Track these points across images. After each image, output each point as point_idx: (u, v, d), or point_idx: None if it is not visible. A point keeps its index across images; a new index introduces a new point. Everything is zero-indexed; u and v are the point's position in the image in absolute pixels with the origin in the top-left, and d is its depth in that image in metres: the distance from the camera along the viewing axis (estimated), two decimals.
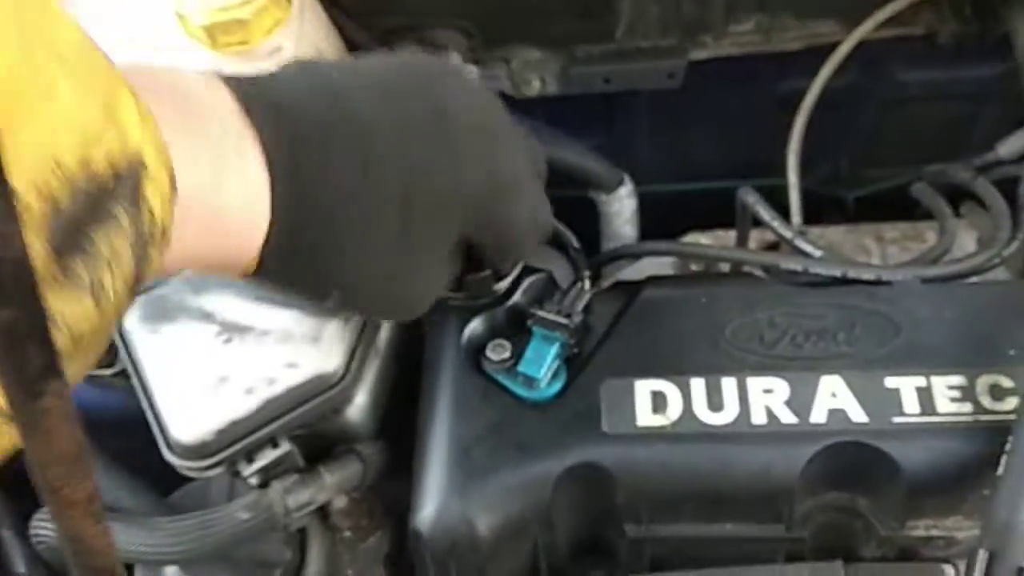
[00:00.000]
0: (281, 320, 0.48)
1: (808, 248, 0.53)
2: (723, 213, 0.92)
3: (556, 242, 0.61)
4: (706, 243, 0.79)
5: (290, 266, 0.37)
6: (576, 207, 0.82)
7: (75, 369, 0.28)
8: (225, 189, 0.33)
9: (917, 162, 0.90)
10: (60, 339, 0.26)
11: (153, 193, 0.28)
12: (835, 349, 0.48)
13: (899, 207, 0.94)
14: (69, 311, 0.26)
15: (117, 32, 0.60)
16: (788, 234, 0.54)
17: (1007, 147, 0.61)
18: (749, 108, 0.85)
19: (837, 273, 0.50)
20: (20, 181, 0.24)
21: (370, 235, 0.38)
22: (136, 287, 0.29)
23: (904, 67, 0.82)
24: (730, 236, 0.80)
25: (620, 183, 0.79)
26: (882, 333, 0.48)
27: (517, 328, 0.51)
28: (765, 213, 0.57)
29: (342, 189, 0.37)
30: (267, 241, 0.36)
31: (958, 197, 0.67)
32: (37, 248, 0.25)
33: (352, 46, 0.71)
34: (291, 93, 0.37)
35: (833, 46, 0.75)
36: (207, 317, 0.49)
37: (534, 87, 0.80)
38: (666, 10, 0.74)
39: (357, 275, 0.39)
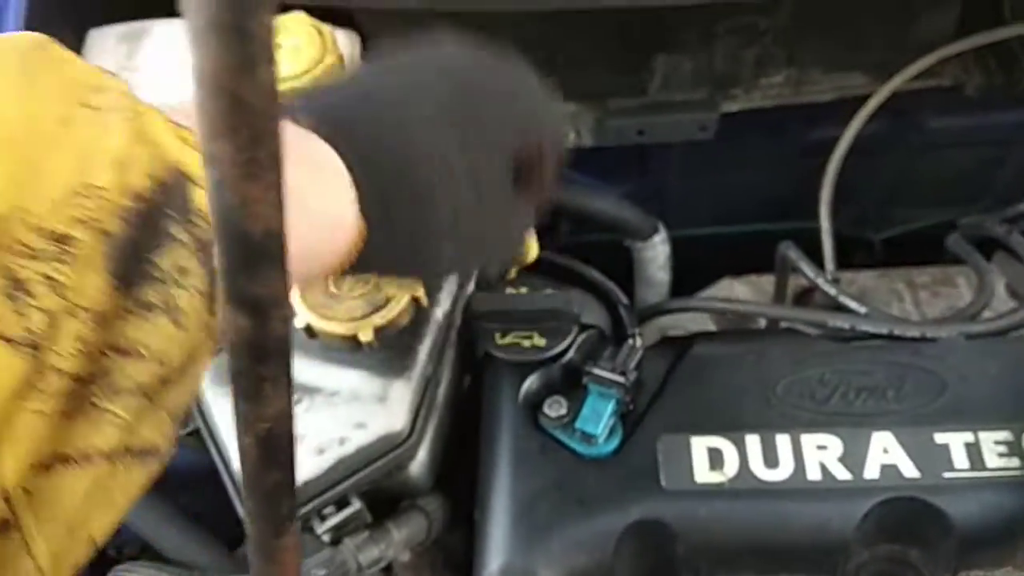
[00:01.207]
0: (349, 381, 0.50)
1: (853, 305, 0.55)
2: (754, 257, 0.94)
3: (602, 297, 0.63)
4: (740, 289, 0.80)
5: (391, 244, 0.36)
6: (607, 252, 0.84)
7: (177, 395, 0.28)
8: (302, 187, 0.31)
9: (943, 204, 0.92)
10: (149, 368, 0.26)
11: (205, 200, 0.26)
12: (885, 406, 0.50)
13: (925, 249, 0.96)
14: (150, 339, 0.26)
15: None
16: (832, 291, 0.56)
17: None
18: (780, 155, 0.87)
19: (884, 331, 0.52)
20: (58, 218, 0.24)
21: (447, 189, 0.37)
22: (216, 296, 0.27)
23: (932, 115, 0.84)
24: (763, 281, 0.82)
25: (654, 231, 0.81)
26: (929, 389, 0.50)
27: (572, 385, 0.53)
28: (808, 269, 0.58)
29: (410, 155, 0.36)
30: (363, 228, 0.35)
31: (990, 246, 0.69)
32: (98, 283, 0.25)
33: None
34: (342, 99, 0.38)
35: (862, 97, 0.77)
36: None
37: (569, 139, 0.82)
38: (699, 65, 0.76)
39: (450, 229, 0.38)
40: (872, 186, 0.93)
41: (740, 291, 0.80)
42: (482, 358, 0.55)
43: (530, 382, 0.54)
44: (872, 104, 0.74)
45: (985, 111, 0.81)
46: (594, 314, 0.65)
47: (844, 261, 0.82)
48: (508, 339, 0.54)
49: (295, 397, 0.50)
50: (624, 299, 0.57)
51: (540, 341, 0.54)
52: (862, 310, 0.54)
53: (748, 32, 0.74)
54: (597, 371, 0.52)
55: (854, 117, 0.75)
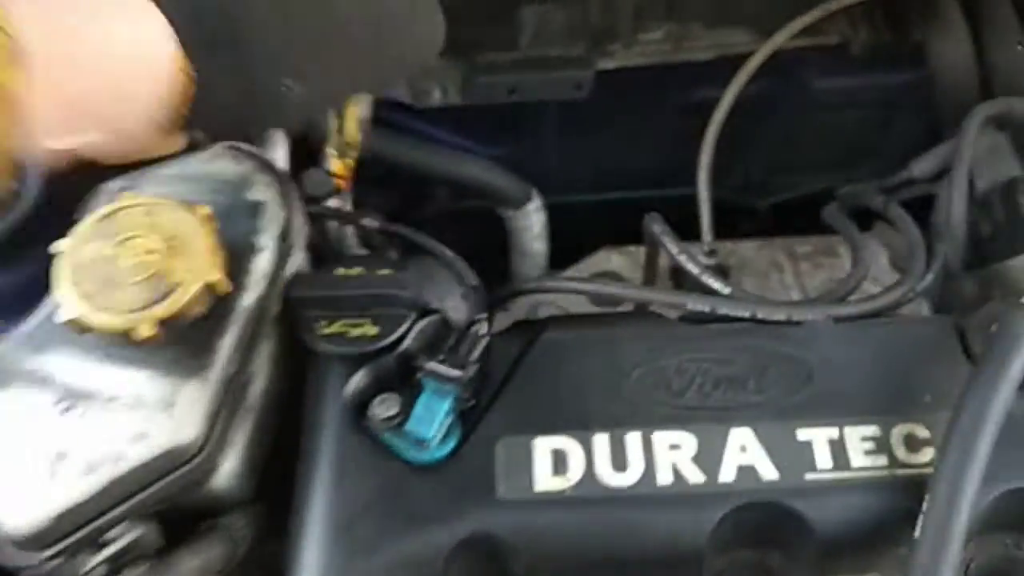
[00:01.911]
0: (130, 384, 0.42)
1: (717, 285, 0.50)
2: (635, 223, 0.90)
3: (455, 275, 0.56)
4: (617, 260, 0.75)
5: (222, 86, 0.30)
6: (485, 222, 0.78)
7: None
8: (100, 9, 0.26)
9: (829, 168, 0.89)
10: None
11: None
12: (745, 398, 0.45)
13: (811, 214, 0.93)
14: None
15: None
16: (695, 269, 0.51)
17: (920, 166, 0.60)
18: (660, 117, 0.82)
19: (746, 314, 0.47)
20: None
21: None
22: None
23: (816, 75, 0.80)
24: (641, 253, 0.77)
25: (528, 198, 0.75)
26: (794, 379, 0.45)
27: (406, 380, 0.47)
28: (672, 246, 0.53)
29: None
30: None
31: (869, 216, 0.66)
32: None
33: None
34: None
35: (744, 56, 0.73)
36: (45, 381, 0.43)
37: (435, 97, 0.75)
38: (573, 17, 0.70)
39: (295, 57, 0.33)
40: (756, 150, 0.89)
41: (617, 262, 0.75)
42: (305, 350, 0.48)
43: (358, 378, 0.47)
44: (754, 62, 0.69)
45: (870, 71, 0.77)
46: (448, 297, 0.59)
47: (728, 230, 0.77)
48: (334, 327, 0.47)
49: (64, 404, 0.43)
50: (472, 278, 0.51)
51: (371, 329, 0.47)
52: (725, 290, 0.49)
53: None
54: (432, 365, 0.45)
55: (735, 77, 0.70)
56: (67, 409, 0.42)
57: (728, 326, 0.48)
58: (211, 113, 0.29)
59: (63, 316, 0.42)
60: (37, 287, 0.50)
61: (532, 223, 0.76)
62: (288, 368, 0.50)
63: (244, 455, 0.46)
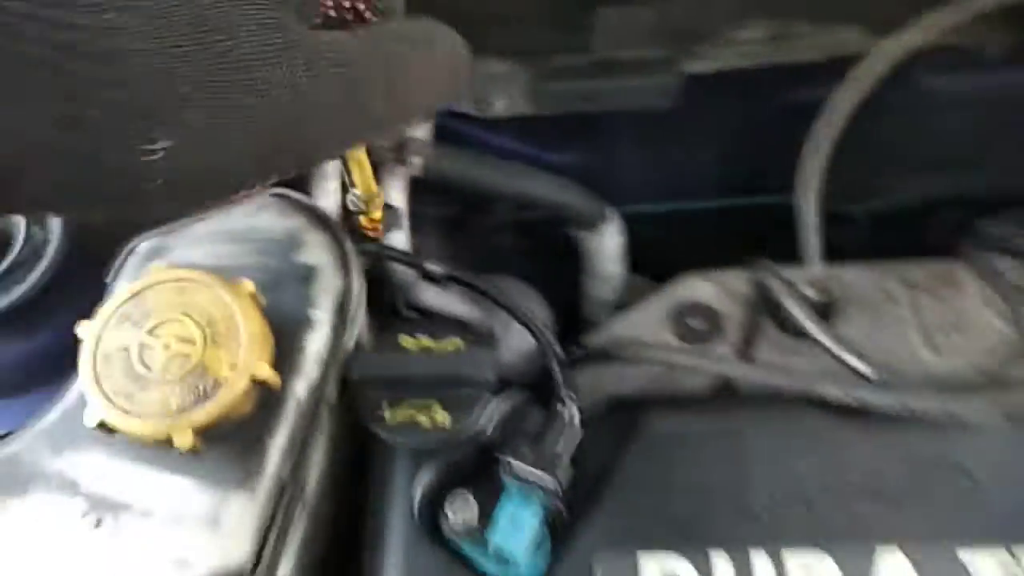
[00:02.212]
0: (168, 495, 0.36)
1: (858, 365, 0.41)
2: (719, 234, 0.81)
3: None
4: (704, 290, 0.67)
5: None
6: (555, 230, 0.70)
7: None
8: None
9: (935, 170, 0.79)
10: None
11: None
12: (895, 514, 0.37)
13: (915, 223, 0.84)
14: None
15: None
16: (831, 345, 0.43)
17: None
18: (752, 121, 0.73)
19: (896, 405, 0.39)
20: None
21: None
22: None
23: (928, 74, 0.70)
24: (732, 280, 0.69)
25: (603, 218, 0.67)
26: (955, 491, 0.38)
27: (485, 473, 0.40)
28: (797, 310, 0.45)
29: None
30: None
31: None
32: None
33: None
34: None
35: (854, 57, 0.63)
36: (70, 488, 0.36)
37: (498, 107, 0.67)
38: (657, 16, 0.61)
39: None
40: (857, 152, 0.80)
41: (704, 292, 0.67)
42: (367, 439, 0.41)
43: (429, 472, 0.40)
44: (879, 65, 0.59)
45: (986, 71, 0.67)
46: (518, 342, 0.52)
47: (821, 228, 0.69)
48: (401, 414, 0.40)
49: (92, 516, 0.37)
50: (558, 351, 0.43)
51: (442, 416, 0.40)
52: (867, 370, 0.41)
53: None
54: (516, 465, 0.38)
55: (847, 78, 0.61)
56: (97, 524, 0.36)
57: (873, 421, 0.40)
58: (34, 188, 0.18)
59: (88, 419, 0.35)
60: (59, 357, 0.44)
61: (607, 245, 0.68)
62: (346, 451, 0.43)
63: (297, 561, 0.40)
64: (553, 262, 0.75)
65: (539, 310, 0.68)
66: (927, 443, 0.38)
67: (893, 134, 0.77)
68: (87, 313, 0.39)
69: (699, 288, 0.68)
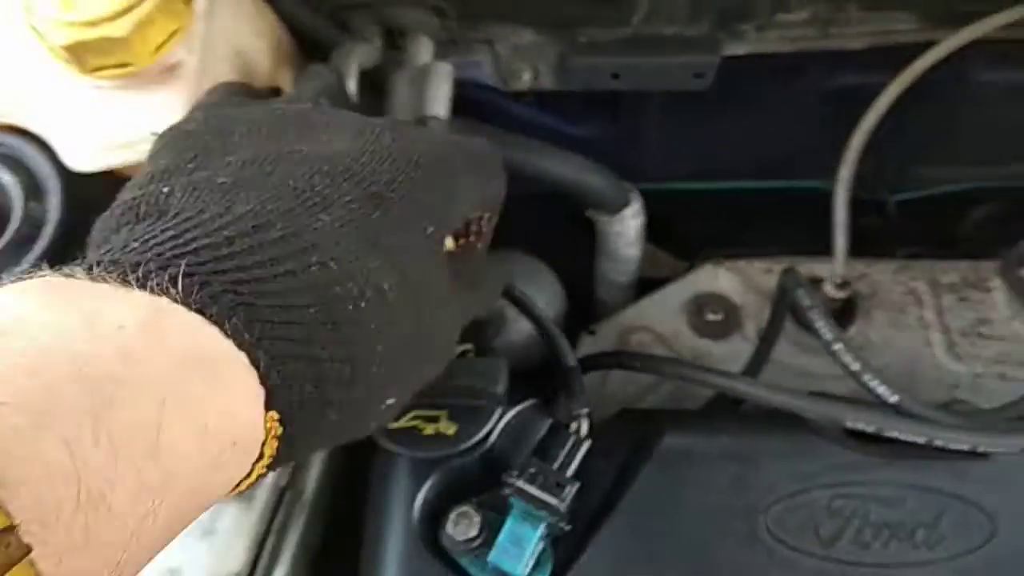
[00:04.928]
0: None
1: (882, 391, 0.40)
2: (744, 215, 0.79)
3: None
4: (726, 279, 0.65)
5: (313, 433, 0.25)
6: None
7: None
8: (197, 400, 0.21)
9: (975, 165, 0.76)
10: None
11: None
12: (912, 553, 0.36)
13: (946, 213, 0.81)
14: None
15: None
16: (853, 364, 0.41)
17: None
18: (788, 104, 0.69)
19: (920, 439, 0.38)
20: None
21: (378, 337, 0.27)
22: None
23: (981, 66, 0.67)
24: (753, 271, 0.67)
25: (626, 203, 0.65)
26: (975, 530, 0.36)
27: (489, 488, 0.39)
28: (823, 327, 0.43)
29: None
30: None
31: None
32: None
33: (293, 27, 0.54)
34: (213, 242, 0.24)
35: (903, 46, 0.60)
36: None
37: (524, 80, 0.64)
38: None
39: (385, 385, 0.28)
40: (895, 140, 0.76)
41: (725, 282, 0.65)
42: (368, 446, 0.40)
43: (431, 484, 0.39)
44: (933, 55, 0.56)
45: None
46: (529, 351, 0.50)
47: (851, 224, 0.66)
48: (404, 420, 0.39)
49: None
50: (571, 358, 0.41)
51: (448, 427, 0.39)
52: (892, 398, 0.39)
53: None
54: (521, 484, 0.37)
55: (902, 72, 0.58)
56: None
57: (893, 451, 0.38)
58: (289, 459, 0.24)
59: None
60: None
61: (627, 228, 0.66)
62: (346, 454, 0.42)
63: (293, 564, 0.39)
64: (568, 234, 0.73)
65: (551, 288, 0.67)
66: (945, 475, 0.37)
67: (937, 123, 0.74)
68: None
69: (720, 278, 0.66)
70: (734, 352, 0.61)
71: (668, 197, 0.72)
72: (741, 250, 0.68)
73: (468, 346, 0.41)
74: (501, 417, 0.39)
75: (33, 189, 0.43)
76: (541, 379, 0.45)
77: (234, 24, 0.47)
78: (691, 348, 0.61)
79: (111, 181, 0.43)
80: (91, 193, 0.44)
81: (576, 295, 0.70)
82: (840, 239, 0.59)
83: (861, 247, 0.64)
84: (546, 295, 0.65)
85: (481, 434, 0.39)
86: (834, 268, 0.60)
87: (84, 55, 0.41)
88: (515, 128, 0.63)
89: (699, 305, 0.63)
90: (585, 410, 0.40)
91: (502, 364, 0.40)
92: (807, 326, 0.55)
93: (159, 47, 0.42)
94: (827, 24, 0.59)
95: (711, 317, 0.62)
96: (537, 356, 0.57)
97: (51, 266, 0.25)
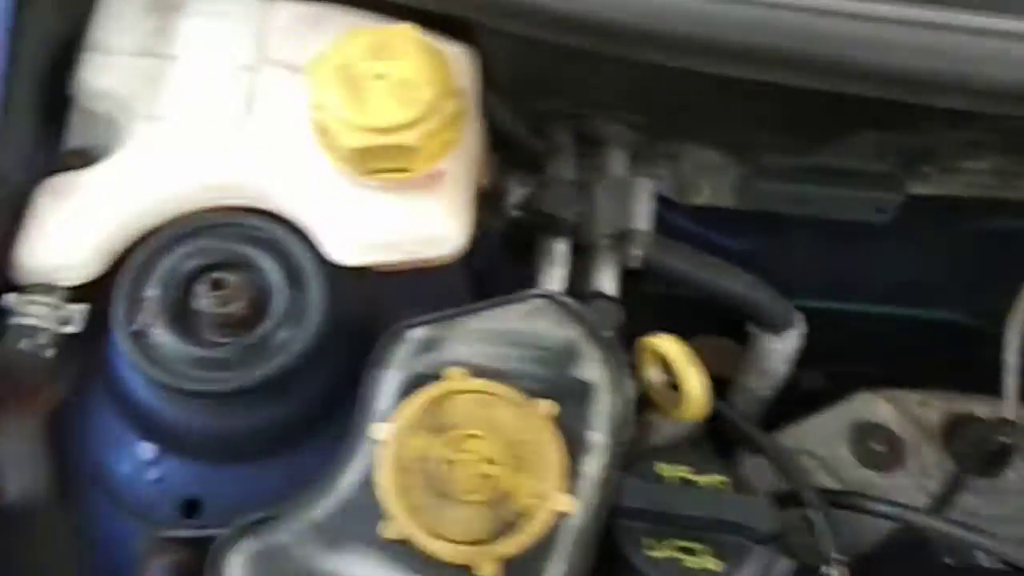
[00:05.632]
0: None
1: None
2: (886, 341, 0.78)
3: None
4: (884, 410, 0.65)
5: None
6: None
7: None
8: None
9: None
10: None
11: None
12: None
13: None
14: None
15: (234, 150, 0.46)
16: None
17: None
18: (941, 240, 0.71)
19: None
20: None
21: None
22: None
23: None
24: (910, 401, 0.67)
25: (790, 324, 0.66)
26: None
27: None
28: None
29: None
30: None
31: None
32: None
33: (498, 135, 0.56)
34: None
35: None
36: None
37: (703, 194, 0.65)
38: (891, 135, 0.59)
39: None
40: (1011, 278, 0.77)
41: (884, 413, 0.65)
42: (622, 570, 0.40)
43: None
44: None
45: None
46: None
47: (975, 354, 0.67)
48: (665, 550, 0.39)
49: None
50: (823, 511, 0.41)
51: (712, 563, 0.39)
52: None
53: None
54: None
55: None
56: None
57: None
58: None
59: (388, 531, 0.34)
60: (312, 422, 0.43)
61: (787, 347, 0.67)
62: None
63: None
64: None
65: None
66: None
67: None
68: (342, 379, 0.39)
69: (879, 408, 0.67)
70: (897, 485, 0.61)
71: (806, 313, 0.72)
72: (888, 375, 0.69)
73: (725, 478, 0.41)
74: (768, 562, 0.39)
75: (294, 277, 0.44)
76: None
77: (475, 139, 0.49)
78: (856, 477, 0.61)
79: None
80: (344, 288, 0.45)
81: None
82: (1009, 379, 0.59)
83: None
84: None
85: (746, 572, 0.39)
86: (1003, 411, 0.60)
87: (368, 158, 0.42)
88: (672, 235, 0.64)
89: (862, 433, 0.63)
90: (844, 560, 0.40)
91: (767, 503, 0.40)
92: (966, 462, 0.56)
93: (434, 158, 0.44)
94: (1009, 175, 0.61)
95: (875, 447, 0.62)
96: None
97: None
